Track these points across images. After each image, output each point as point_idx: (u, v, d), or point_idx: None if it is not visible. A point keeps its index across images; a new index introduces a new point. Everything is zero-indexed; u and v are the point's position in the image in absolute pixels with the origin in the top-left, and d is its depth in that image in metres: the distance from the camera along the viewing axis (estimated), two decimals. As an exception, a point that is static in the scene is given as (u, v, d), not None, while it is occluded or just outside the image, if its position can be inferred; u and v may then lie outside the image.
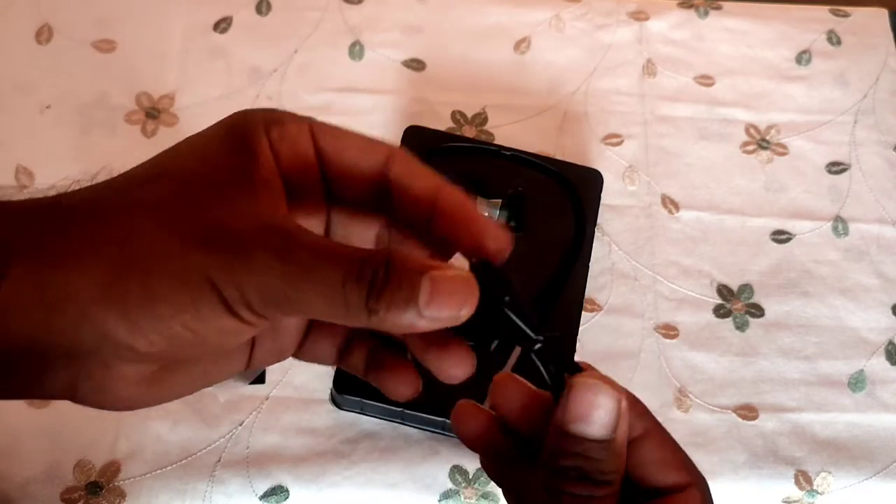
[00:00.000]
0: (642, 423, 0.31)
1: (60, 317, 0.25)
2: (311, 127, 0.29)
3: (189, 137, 0.29)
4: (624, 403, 0.29)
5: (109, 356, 0.26)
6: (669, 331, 0.64)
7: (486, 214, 0.28)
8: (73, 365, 0.26)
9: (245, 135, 0.28)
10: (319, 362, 0.32)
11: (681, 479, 0.30)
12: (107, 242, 0.26)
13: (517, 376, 0.32)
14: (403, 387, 0.31)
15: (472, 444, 0.32)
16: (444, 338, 0.29)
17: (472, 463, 0.58)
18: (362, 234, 0.32)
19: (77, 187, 0.29)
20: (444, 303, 0.25)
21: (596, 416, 0.28)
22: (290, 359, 0.34)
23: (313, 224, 0.31)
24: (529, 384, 0.32)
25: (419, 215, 0.30)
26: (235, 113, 0.29)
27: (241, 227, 0.26)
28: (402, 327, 0.25)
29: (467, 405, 0.32)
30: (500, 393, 0.32)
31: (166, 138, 0.68)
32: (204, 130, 0.29)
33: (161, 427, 0.57)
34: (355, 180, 0.30)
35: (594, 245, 0.63)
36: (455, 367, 0.29)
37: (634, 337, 0.63)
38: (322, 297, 0.25)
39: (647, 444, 0.30)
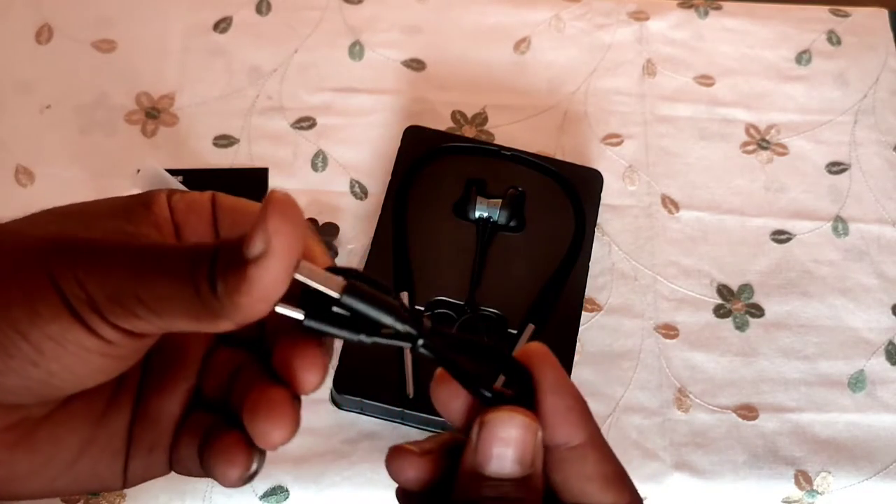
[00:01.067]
0: (582, 432, 0.27)
1: None
2: (214, 195, 0.28)
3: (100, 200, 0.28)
4: (540, 434, 0.26)
5: None
6: (669, 331, 0.64)
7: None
8: None
9: (145, 196, 0.28)
10: (197, 475, 0.29)
11: (621, 498, 0.27)
12: None
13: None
14: (233, 468, 0.26)
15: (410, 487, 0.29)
16: (296, 342, 0.26)
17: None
18: None
19: None
20: (269, 253, 0.22)
21: (510, 453, 0.25)
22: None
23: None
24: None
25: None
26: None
27: (97, 234, 0.25)
28: (254, 291, 0.22)
29: (403, 451, 0.28)
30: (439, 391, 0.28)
31: (166, 138, 0.68)
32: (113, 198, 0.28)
33: (161, 427, 0.57)
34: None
35: (594, 245, 0.63)
36: (309, 372, 0.25)
37: (634, 337, 0.63)
38: (173, 288, 0.23)
39: (586, 457, 0.27)
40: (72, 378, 0.24)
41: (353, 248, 0.64)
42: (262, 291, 0.22)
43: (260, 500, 0.56)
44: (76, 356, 0.23)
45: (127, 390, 0.28)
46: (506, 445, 0.25)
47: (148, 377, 0.28)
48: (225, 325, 0.23)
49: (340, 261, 0.63)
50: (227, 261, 0.22)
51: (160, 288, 0.23)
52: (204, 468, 0.28)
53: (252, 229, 0.22)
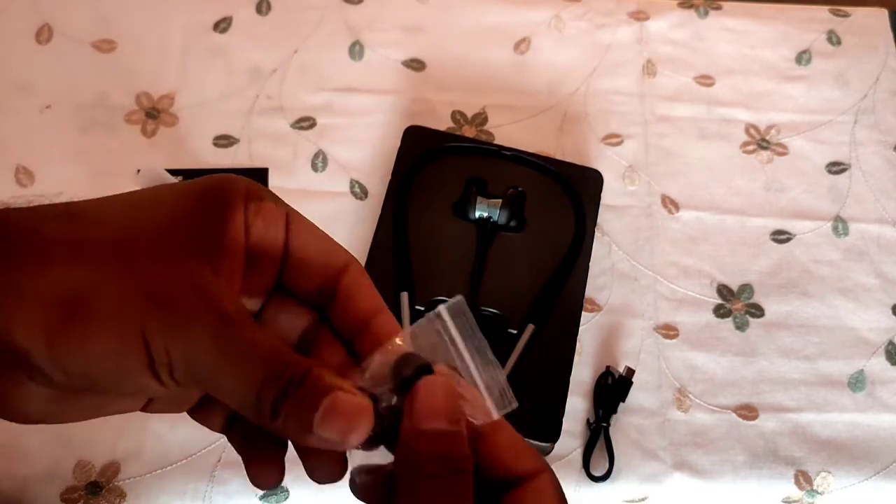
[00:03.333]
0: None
1: None
2: (288, 214, 0.31)
3: (172, 185, 0.30)
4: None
5: (23, 374, 0.26)
6: (669, 331, 0.64)
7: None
8: None
9: (222, 202, 0.29)
10: (209, 427, 0.33)
11: (534, 465, 0.30)
12: (62, 269, 0.26)
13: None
14: (264, 478, 0.32)
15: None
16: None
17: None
18: (291, 323, 0.33)
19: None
20: (334, 426, 0.26)
21: (441, 410, 0.28)
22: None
23: (254, 300, 0.32)
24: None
25: (350, 328, 0.32)
26: (219, 176, 0.30)
27: (188, 296, 0.26)
28: (294, 438, 0.27)
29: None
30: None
31: (166, 138, 0.68)
32: (186, 183, 0.29)
33: (161, 427, 0.57)
34: (308, 275, 0.31)
35: (594, 245, 0.63)
36: (322, 475, 0.31)
37: (634, 337, 0.63)
38: (240, 388, 0.26)
39: (500, 433, 0.30)
40: (120, 392, 0.29)
41: (353, 249, 0.64)
42: (318, 446, 0.27)
43: (260, 500, 0.56)
44: (136, 386, 0.27)
45: None
46: (436, 403, 0.28)
47: None
48: (270, 427, 0.26)
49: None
50: (291, 410, 0.26)
51: (230, 382, 0.26)
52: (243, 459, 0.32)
53: (334, 411, 0.26)
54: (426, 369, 0.29)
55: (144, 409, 0.31)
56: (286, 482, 0.56)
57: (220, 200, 0.29)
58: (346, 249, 0.32)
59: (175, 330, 0.26)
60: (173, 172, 0.65)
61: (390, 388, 0.29)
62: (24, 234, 0.26)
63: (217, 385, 0.26)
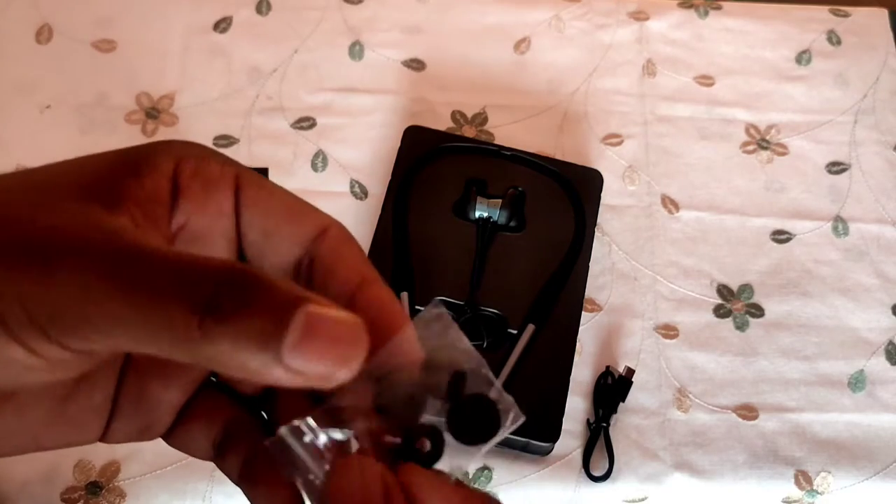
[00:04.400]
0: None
1: None
2: (238, 175, 0.24)
3: (88, 155, 0.24)
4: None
5: None
6: (669, 331, 0.64)
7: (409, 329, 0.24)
8: None
9: (141, 158, 0.23)
10: (193, 455, 0.26)
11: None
12: None
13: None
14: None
15: None
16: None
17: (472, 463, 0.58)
18: None
19: None
20: (319, 351, 0.18)
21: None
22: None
23: None
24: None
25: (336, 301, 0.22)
26: (151, 142, 0.24)
27: (65, 233, 0.20)
28: (252, 374, 0.18)
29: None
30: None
31: (166, 138, 0.68)
32: (105, 151, 0.24)
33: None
34: (274, 250, 0.25)
35: (594, 245, 0.63)
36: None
37: (634, 337, 0.63)
38: (137, 311, 0.18)
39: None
40: (11, 385, 0.21)
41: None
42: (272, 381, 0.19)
43: (260, 500, 0.56)
44: (12, 371, 0.20)
45: (107, 366, 0.24)
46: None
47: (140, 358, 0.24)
48: (191, 362, 0.19)
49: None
50: (240, 327, 0.18)
51: (115, 308, 0.18)
52: (241, 484, 0.25)
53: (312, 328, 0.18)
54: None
55: (106, 437, 0.25)
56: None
57: (136, 158, 0.23)
58: (322, 212, 0.25)
59: (31, 272, 0.19)
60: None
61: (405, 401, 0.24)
62: None
63: (99, 319, 0.19)
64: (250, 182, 0.24)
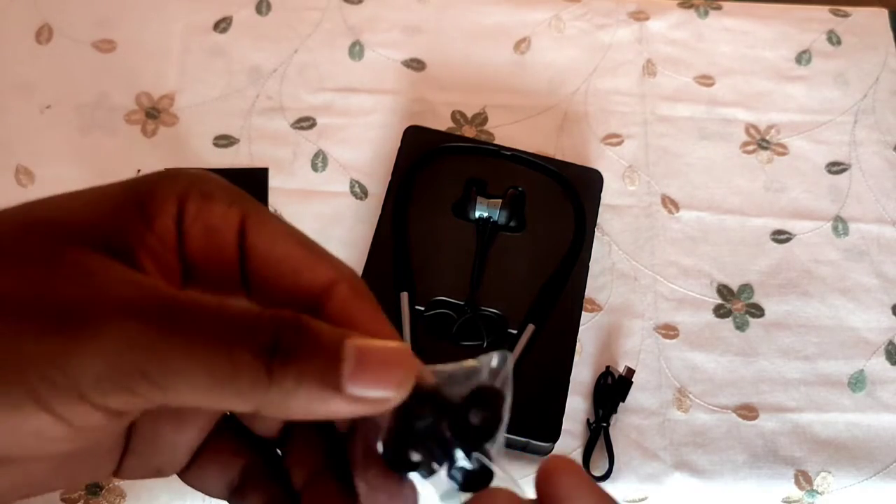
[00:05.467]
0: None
1: None
2: (245, 216, 0.23)
3: (89, 188, 0.23)
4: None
5: None
6: (669, 331, 0.64)
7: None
8: None
9: (146, 197, 0.22)
10: (209, 494, 0.25)
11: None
12: None
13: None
14: None
15: None
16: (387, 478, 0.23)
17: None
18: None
19: None
20: (375, 376, 0.20)
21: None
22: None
23: None
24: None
25: None
26: (155, 172, 0.23)
27: (96, 290, 0.19)
28: (315, 410, 0.19)
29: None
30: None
31: (166, 138, 0.68)
32: (107, 185, 0.23)
33: (161, 427, 0.57)
34: (281, 294, 0.23)
35: (594, 245, 0.63)
36: None
37: (634, 337, 0.63)
38: (199, 363, 0.18)
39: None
40: (25, 455, 0.20)
41: (353, 249, 0.64)
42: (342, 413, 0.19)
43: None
44: (30, 442, 0.19)
45: None
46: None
47: None
48: (252, 410, 0.19)
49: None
50: (302, 368, 0.19)
51: (180, 361, 0.18)
52: None
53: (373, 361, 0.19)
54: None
55: (119, 473, 0.24)
56: None
57: (140, 199, 0.22)
58: (335, 260, 0.24)
59: (64, 335, 0.18)
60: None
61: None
62: None
63: (163, 374, 0.18)
64: (256, 226, 0.23)
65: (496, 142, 0.69)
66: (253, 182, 0.66)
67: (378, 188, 0.67)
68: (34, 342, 0.18)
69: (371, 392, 0.20)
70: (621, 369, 0.60)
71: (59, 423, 0.18)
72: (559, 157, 0.69)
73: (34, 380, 0.18)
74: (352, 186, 0.67)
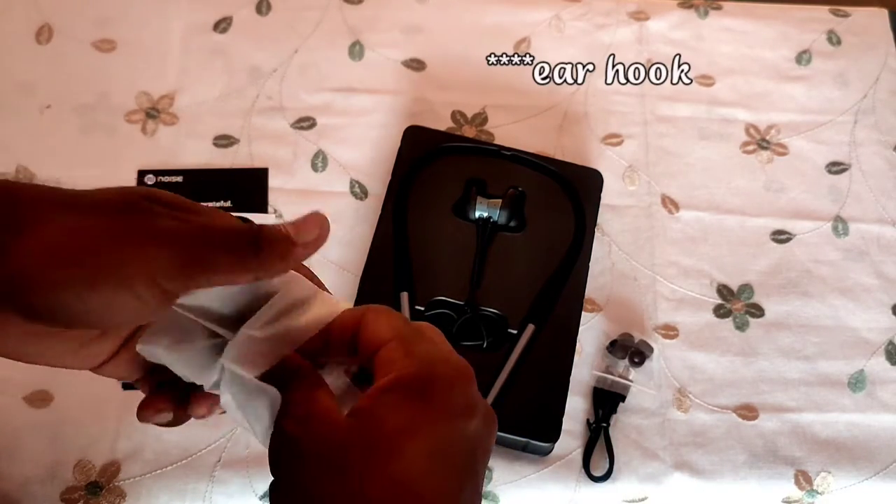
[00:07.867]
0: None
1: None
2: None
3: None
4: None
5: (11, 309, 0.28)
6: (669, 331, 0.64)
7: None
8: None
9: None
10: (120, 375, 0.36)
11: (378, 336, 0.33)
12: (61, 217, 0.29)
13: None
14: (146, 411, 0.37)
15: None
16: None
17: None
18: None
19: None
20: (309, 227, 0.31)
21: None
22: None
23: None
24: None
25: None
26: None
27: (166, 223, 0.30)
28: (282, 264, 0.31)
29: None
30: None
31: (166, 138, 0.68)
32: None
33: (161, 427, 0.57)
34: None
35: (594, 245, 0.63)
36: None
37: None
38: (225, 257, 0.30)
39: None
40: (110, 323, 0.32)
41: (353, 249, 0.64)
42: (294, 262, 0.31)
43: (260, 500, 0.56)
44: (121, 311, 0.29)
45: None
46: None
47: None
48: (250, 279, 0.32)
49: (339, 262, 0.63)
50: (273, 240, 0.31)
51: (213, 260, 0.30)
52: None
53: (307, 226, 0.31)
54: None
55: (96, 369, 0.34)
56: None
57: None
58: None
59: (152, 250, 0.29)
60: (173, 172, 0.65)
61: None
62: (25, 192, 0.29)
63: (213, 268, 0.30)
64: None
65: (496, 142, 0.69)
66: (253, 182, 0.66)
67: (378, 188, 0.67)
68: (135, 250, 0.29)
69: (309, 235, 0.31)
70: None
71: (138, 300, 0.28)
72: (559, 157, 0.69)
73: (132, 272, 0.28)
74: (352, 186, 0.67)
